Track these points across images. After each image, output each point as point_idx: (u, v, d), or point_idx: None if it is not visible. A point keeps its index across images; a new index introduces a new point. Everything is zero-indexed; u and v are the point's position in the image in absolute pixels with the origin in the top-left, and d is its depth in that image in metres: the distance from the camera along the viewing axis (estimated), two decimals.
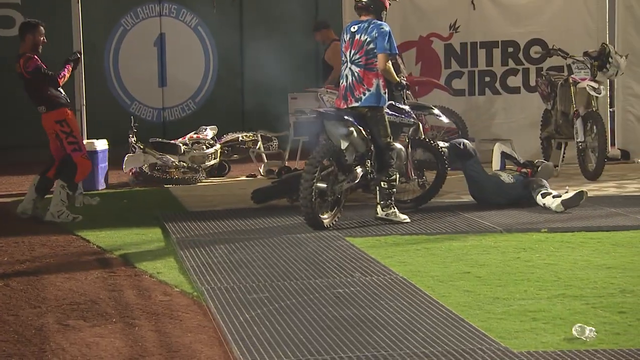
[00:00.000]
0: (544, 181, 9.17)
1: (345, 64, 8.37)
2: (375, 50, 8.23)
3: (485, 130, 12.51)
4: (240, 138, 12.34)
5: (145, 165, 11.48)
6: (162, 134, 14.77)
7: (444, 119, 9.78)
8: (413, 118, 8.95)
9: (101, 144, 11.09)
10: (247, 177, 12.12)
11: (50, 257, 7.45)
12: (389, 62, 8.34)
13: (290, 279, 6.29)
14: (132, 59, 15.86)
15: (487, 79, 12.67)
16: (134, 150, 11.49)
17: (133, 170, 11.48)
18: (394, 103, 8.78)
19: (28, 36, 9.05)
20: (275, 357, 4.69)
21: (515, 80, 12.66)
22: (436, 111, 9.50)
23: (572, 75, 11.19)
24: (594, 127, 10.80)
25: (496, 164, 9.99)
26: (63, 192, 9.00)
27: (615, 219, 8.31)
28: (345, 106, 8.33)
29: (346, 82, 8.36)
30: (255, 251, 7.24)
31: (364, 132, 8.24)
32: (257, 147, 12.24)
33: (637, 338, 4.91)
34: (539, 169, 9.60)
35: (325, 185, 8.09)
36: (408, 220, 8.34)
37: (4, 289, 6.38)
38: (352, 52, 8.32)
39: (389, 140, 8.36)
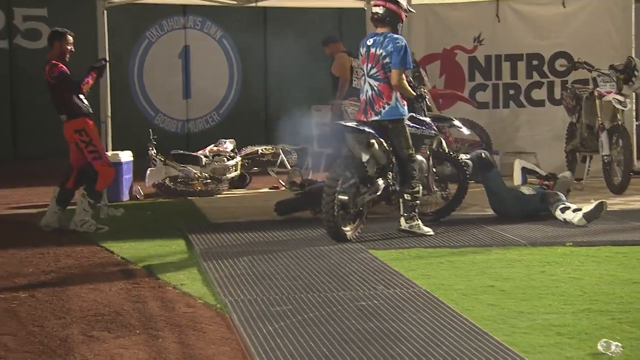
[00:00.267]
0: (561, 194, 9.10)
1: (364, 78, 8.38)
2: (390, 65, 8.23)
3: (510, 144, 12.48)
4: (260, 151, 12.38)
5: (167, 178, 11.52)
6: (185, 145, 14.85)
7: (465, 130, 9.75)
8: (434, 130, 8.94)
9: (126, 156, 11.14)
10: (269, 189, 12.15)
11: (75, 268, 7.47)
12: (404, 77, 8.32)
13: (313, 291, 6.28)
14: (157, 71, 15.99)
15: (512, 91, 12.65)
16: (154, 163, 11.53)
17: (156, 183, 11.52)
18: (414, 115, 8.77)
19: (56, 43, 9.11)
20: None
21: (539, 93, 12.62)
22: (457, 123, 9.48)
23: (597, 88, 11.13)
24: (620, 140, 10.75)
25: (517, 179, 9.94)
26: (84, 200, 9.01)
27: None
28: (366, 120, 8.34)
29: (366, 96, 8.36)
30: (278, 263, 7.24)
31: (385, 145, 8.24)
32: (277, 163, 12.25)
33: None
34: (557, 181, 9.56)
35: (347, 198, 8.07)
36: (432, 232, 8.33)
37: (30, 300, 6.41)
38: (369, 65, 8.32)
39: (410, 152, 8.35)
